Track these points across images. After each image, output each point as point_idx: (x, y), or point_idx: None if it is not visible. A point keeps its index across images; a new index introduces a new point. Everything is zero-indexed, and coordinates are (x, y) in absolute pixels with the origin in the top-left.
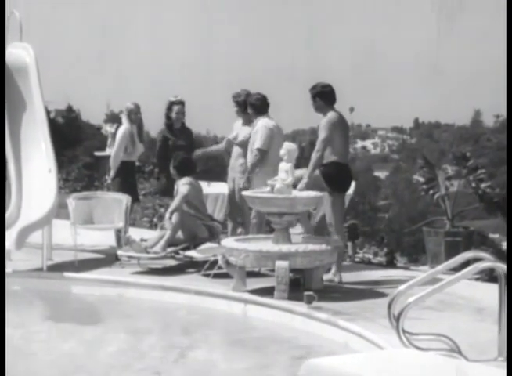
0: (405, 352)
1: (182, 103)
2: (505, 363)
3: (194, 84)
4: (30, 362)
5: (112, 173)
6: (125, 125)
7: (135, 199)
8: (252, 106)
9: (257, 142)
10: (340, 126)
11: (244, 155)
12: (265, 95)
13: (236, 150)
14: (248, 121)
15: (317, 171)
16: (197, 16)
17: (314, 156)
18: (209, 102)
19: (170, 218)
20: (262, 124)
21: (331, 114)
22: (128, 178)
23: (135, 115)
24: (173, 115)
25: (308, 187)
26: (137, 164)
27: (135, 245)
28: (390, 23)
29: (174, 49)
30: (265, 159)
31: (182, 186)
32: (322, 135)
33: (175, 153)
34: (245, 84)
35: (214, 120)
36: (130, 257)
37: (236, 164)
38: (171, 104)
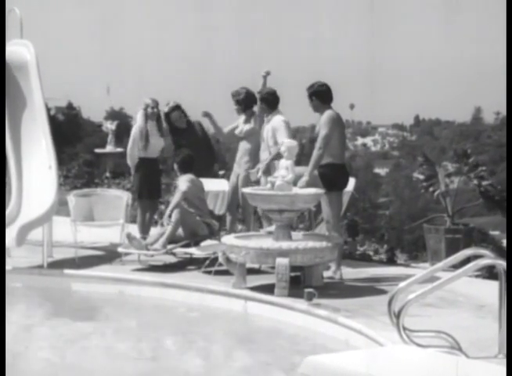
0: (406, 348)
1: (177, 108)
2: (505, 360)
3: (193, 82)
4: (30, 359)
5: (131, 171)
6: (138, 123)
7: (157, 195)
8: (264, 100)
9: (282, 137)
10: (338, 125)
11: (250, 153)
12: (275, 89)
13: (243, 147)
14: (249, 117)
15: (315, 170)
16: (197, 14)
17: (315, 153)
18: (209, 100)
19: (170, 215)
20: (280, 119)
21: (329, 112)
22: (147, 175)
23: (151, 110)
24: (173, 122)
25: (309, 185)
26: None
27: (136, 242)
28: (391, 20)
29: (174, 48)
30: None
31: (182, 182)
32: (323, 132)
33: (179, 150)
34: (244, 81)
35: (217, 118)
36: (129, 254)
37: (241, 160)
38: (166, 115)
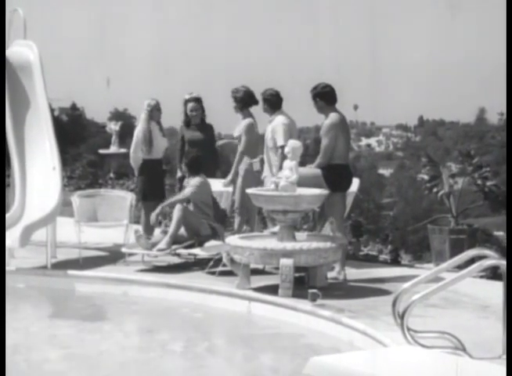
0: (410, 349)
1: (196, 100)
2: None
3: (196, 81)
4: (32, 360)
5: (135, 172)
6: (141, 125)
7: (161, 196)
8: (266, 101)
9: (279, 140)
10: (342, 128)
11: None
12: (278, 90)
13: None
14: (247, 117)
15: (319, 171)
16: (198, 13)
17: (317, 162)
18: (212, 99)
19: (159, 212)
20: (280, 121)
21: (332, 117)
22: (151, 176)
23: (156, 111)
24: (188, 112)
25: (312, 185)
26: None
27: (143, 241)
28: (394, 21)
29: (176, 48)
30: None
31: (190, 187)
32: (325, 141)
33: (187, 150)
34: (247, 81)
35: (218, 118)
36: (133, 254)
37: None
38: (185, 102)
